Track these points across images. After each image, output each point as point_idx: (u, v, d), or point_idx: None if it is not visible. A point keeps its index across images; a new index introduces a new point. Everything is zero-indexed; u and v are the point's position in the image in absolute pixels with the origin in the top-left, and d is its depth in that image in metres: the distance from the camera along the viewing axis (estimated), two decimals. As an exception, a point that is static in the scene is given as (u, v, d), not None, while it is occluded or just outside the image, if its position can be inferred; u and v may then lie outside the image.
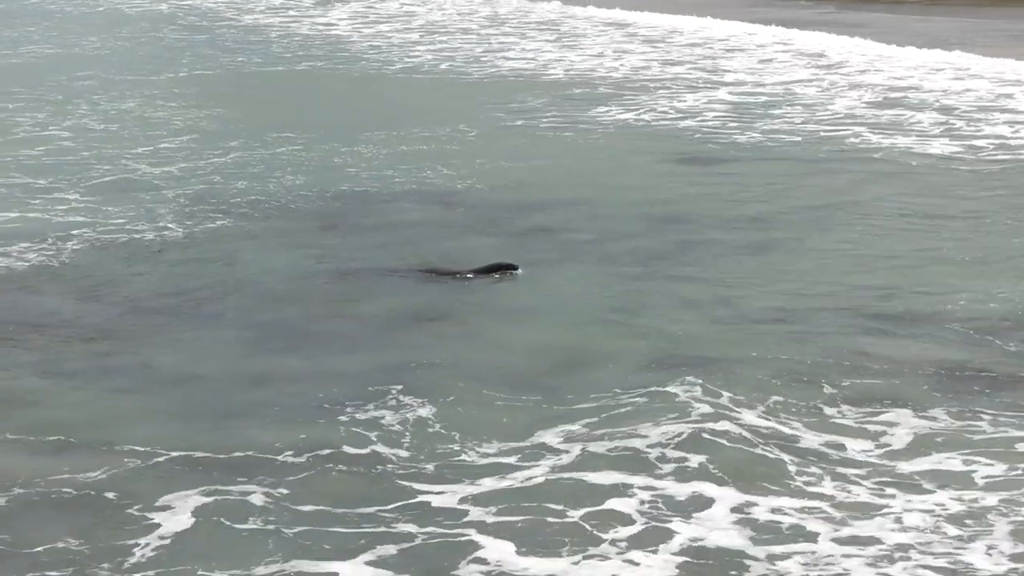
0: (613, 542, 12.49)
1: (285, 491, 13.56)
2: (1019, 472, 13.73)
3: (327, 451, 14.49)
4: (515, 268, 20.93)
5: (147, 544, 12.45)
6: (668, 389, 15.95)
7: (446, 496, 13.53)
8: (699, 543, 12.38)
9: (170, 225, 24.53)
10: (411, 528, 12.87)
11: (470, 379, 16.56)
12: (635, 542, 12.47)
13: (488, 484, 13.69)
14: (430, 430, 15.18)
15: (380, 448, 14.66)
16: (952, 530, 12.45)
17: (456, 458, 14.46)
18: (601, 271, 21.67)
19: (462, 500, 13.42)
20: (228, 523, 12.87)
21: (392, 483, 13.88)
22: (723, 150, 32.19)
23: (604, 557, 12.24)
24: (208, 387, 16.49)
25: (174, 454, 14.39)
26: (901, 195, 27.06)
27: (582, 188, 27.79)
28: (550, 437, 14.88)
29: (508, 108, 38.19)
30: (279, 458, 14.31)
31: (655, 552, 12.25)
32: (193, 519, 12.87)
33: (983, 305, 19.25)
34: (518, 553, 12.31)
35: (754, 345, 17.66)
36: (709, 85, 42.24)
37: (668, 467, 13.95)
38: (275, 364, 17.27)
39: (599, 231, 24.24)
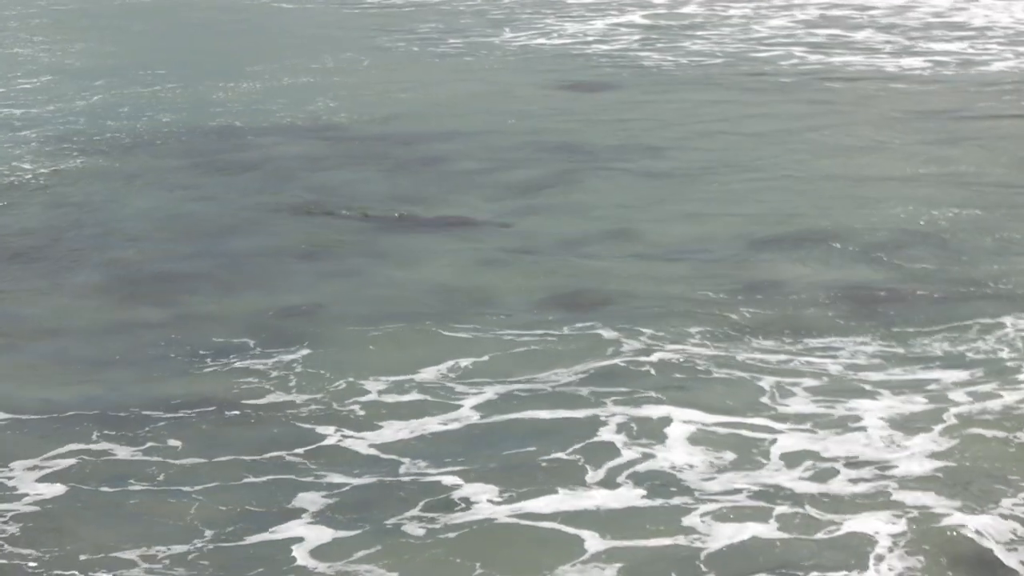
0: (552, 473, 12.98)
1: (167, 445, 13.61)
2: (919, 386, 14.79)
3: (208, 401, 14.54)
4: None
5: (14, 513, 12.34)
6: (575, 326, 16.46)
7: (353, 440, 13.80)
8: (637, 469, 13.04)
9: (28, 167, 24.82)
10: (333, 477, 13.04)
11: (358, 320, 16.85)
12: (576, 472, 13.01)
13: (394, 429, 13.99)
14: (318, 373, 15.35)
15: (279, 395, 14.77)
16: (873, 440, 13.45)
17: (348, 400, 14.65)
18: (491, 204, 22.25)
19: (371, 445, 13.68)
20: (103, 488, 12.80)
21: (294, 428, 14.04)
22: (630, 76, 32.82)
23: (547, 489, 12.70)
24: (74, 339, 16.62)
25: (43, 414, 14.31)
26: (814, 117, 28.17)
27: (473, 117, 28.42)
28: (453, 377, 15.24)
29: (399, 34, 38.76)
30: (157, 413, 14.32)
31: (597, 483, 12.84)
32: (65, 485, 12.77)
33: (880, 227, 20.26)
34: (447, 489, 12.65)
35: (652, 277, 18.39)
36: (626, 5, 42.88)
37: (579, 397, 14.48)
38: (144, 312, 17.44)
39: (489, 161, 24.90)
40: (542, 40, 37.89)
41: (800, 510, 12.18)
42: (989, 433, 13.54)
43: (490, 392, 14.81)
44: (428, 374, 15.28)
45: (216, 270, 19.34)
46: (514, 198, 22.72)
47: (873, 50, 35.25)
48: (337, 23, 41.56)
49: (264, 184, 23.90)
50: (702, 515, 12.19)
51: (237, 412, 14.31)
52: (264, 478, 13.02)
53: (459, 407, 14.52)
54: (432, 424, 14.15)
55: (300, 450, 13.50)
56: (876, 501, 12.25)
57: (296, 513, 12.40)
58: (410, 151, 26.01)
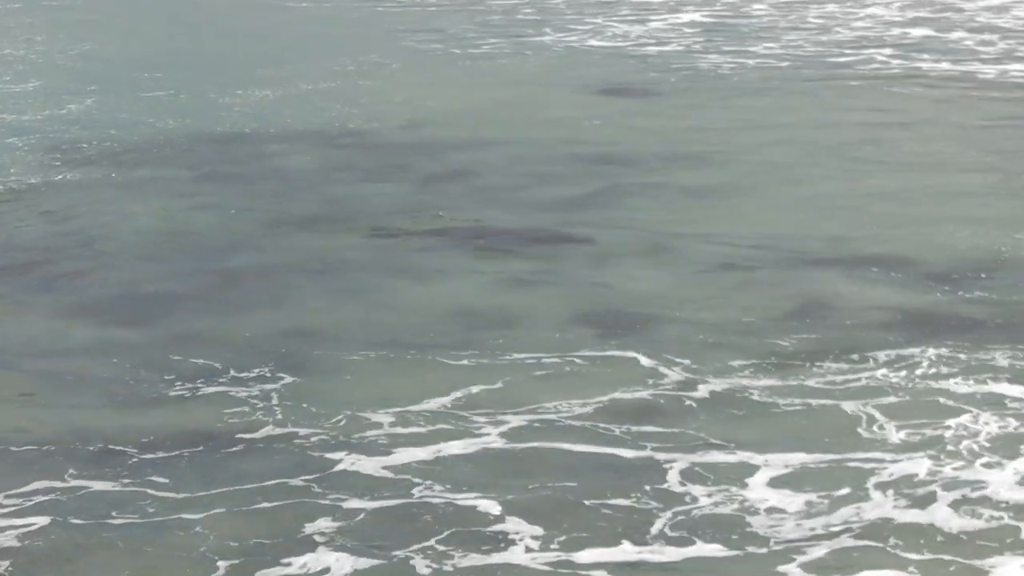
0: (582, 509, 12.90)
1: (164, 474, 13.57)
2: (975, 412, 14.83)
3: (205, 429, 14.51)
4: None
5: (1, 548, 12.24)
6: (608, 352, 16.45)
7: (364, 462, 13.82)
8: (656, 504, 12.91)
9: (19, 177, 25.02)
10: (345, 502, 13.05)
11: (369, 344, 16.83)
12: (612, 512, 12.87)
13: (407, 453, 14.00)
14: (326, 398, 15.37)
15: (294, 426, 14.72)
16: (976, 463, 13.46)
17: (361, 428, 14.65)
18: (520, 219, 22.22)
19: (386, 467, 13.70)
20: (99, 521, 12.79)
21: (301, 456, 14.04)
22: (680, 80, 32.92)
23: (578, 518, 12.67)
24: (65, 361, 16.57)
25: (27, 443, 14.29)
26: (884, 127, 28.22)
27: (505, 126, 28.58)
28: (477, 404, 15.23)
29: (426, 34, 39.01)
30: (150, 440, 14.30)
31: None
32: (58, 518, 12.76)
33: (937, 251, 20.28)
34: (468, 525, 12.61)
35: (692, 299, 18.39)
36: (684, 3, 43.04)
37: (621, 433, 14.34)
38: (139, 333, 17.38)
39: (520, 174, 24.95)
40: (587, 40, 38.05)
41: (923, 554, 11.96)
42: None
43: (516, 420, 14.81)
44: (445, 400, 15.34)
45: (216, 289, 19.31)
46: (545, 212, 22.77)
47: (966, 52, 35.07)
48: (360, 21, 41.92)
49: (273, 196, 23.97)
50: (802, 565, 11.88)
51: (239, 439, 14.40)
52: (273, 504, 13.13)
53: (484, 434, 14.50)
54: (454, 449, 14.20)
55: (309, 476, 13.61)
56: (1006, 538, 12.11)
57: (309, 542, 12.46)
58: (434, 161, 26.15)
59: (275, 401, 15.42)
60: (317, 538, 12.46)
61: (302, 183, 24.66)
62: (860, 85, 32.31)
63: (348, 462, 13.96)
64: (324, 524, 12.67)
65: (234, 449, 14.24)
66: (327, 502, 13.09)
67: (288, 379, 15.96)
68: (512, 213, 22.72)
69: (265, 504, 13.07)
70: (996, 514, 12.45)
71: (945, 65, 34.00)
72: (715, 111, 30.03)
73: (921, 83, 32.30)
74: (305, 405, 15.30)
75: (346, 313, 18.17)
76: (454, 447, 14.20)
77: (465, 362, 16.34)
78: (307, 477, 13.57)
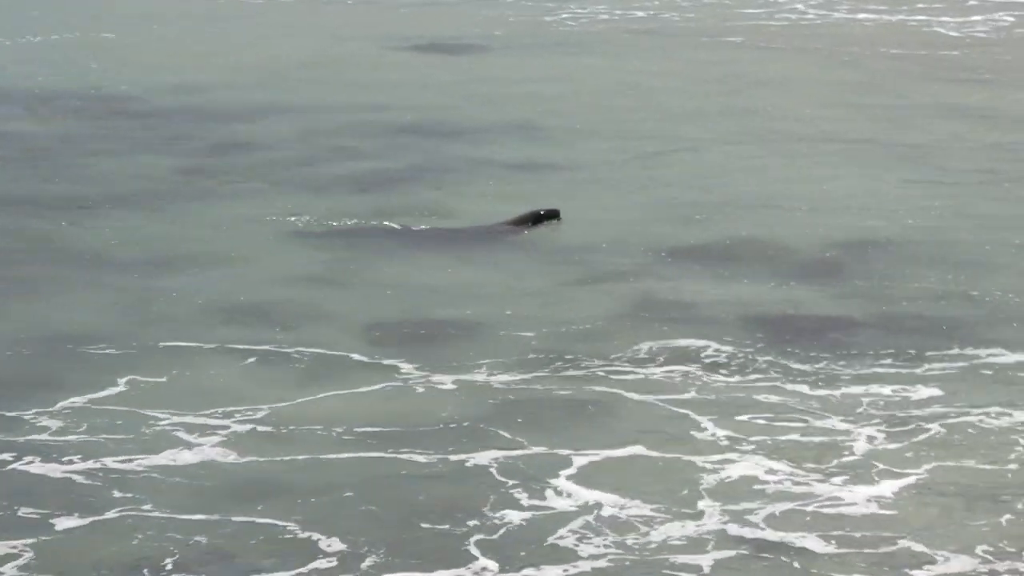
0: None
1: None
2: (839, 410, 14.84)
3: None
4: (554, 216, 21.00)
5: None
6: (410, 357, 16.07)
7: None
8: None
9: None
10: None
11: (129, 343, 16.40)
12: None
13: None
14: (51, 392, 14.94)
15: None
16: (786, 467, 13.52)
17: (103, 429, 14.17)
18: (309, 202, 21.62)
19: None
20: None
21: None
22: (510, 35, 33.43)
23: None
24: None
25: None
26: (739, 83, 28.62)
27: (297, 90, 28.41)
28: (240, 410, 14.77)
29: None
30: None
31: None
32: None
33: (802, 236, 20.24)
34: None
35: (520, 294, 18.13)
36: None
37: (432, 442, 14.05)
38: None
39: (316, 147, 24.68)
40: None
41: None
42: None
43: (293, 429, 14.35)
44: (200, 404, 14.83)
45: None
46: (342, 194, 22.21)
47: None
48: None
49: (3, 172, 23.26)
50: None
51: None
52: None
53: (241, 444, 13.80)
54: (187, 458, 13.75)
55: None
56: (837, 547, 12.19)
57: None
58: (211, 132, 25.55)
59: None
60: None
61: (42, 156, 24.01)
62: (719, 41, 33.32)
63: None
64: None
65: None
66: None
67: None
68: (305, 193, 22.22)
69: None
70: (828, 519, 12.62)
71: (812, 15, 36.27)
72: (550, 71, 30.15)
73: (785, 36, 33.85)
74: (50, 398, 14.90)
75: (99, 310, 17.56)
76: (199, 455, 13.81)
77: (249, 361, 16.02)
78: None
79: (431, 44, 32.56)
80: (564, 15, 36.12)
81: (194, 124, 26.12)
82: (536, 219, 20.94)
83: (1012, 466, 13.39)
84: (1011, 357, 16.14)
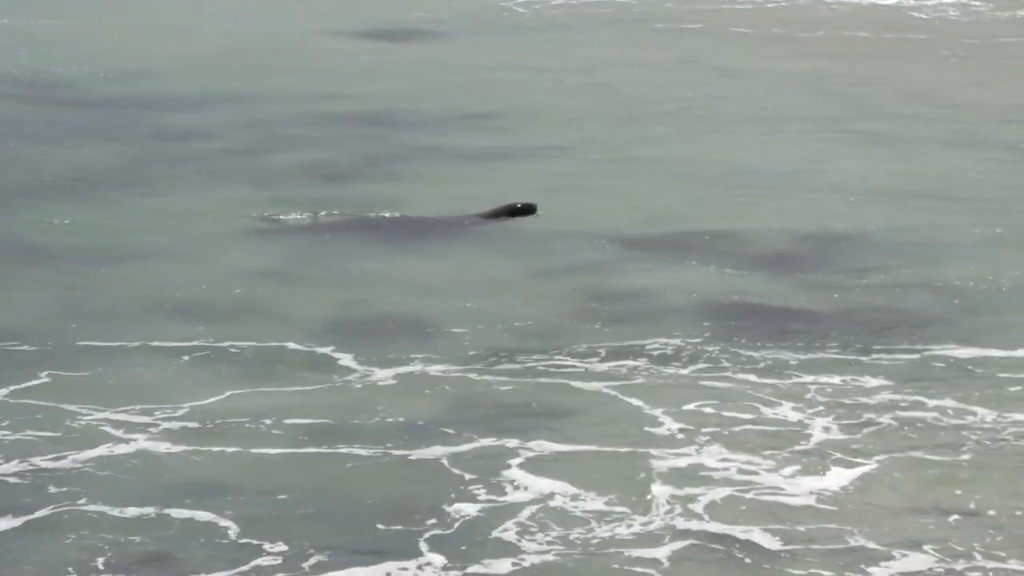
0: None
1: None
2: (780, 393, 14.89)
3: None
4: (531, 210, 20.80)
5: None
6: (368, 352, 15.90)
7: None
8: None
9: None
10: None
11: (66, 339, 16.04)
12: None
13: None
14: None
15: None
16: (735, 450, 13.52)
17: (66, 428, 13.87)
18: (255, 194, 21.27)
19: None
20: None
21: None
22: (465, 20, 33.41)
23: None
24: None
25: None
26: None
27: (244, 78, 28.44)
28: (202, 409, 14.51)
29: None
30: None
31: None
32: None
33: (759, 227, 20.15)
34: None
35: (476, 288, 17.91)
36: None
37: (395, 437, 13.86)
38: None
39: (265, 138, 24.44)
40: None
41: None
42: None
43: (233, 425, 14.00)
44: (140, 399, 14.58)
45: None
46: (291, 185, 22.03)
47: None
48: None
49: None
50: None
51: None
52: None
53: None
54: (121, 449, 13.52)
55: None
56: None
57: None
58: (153, 121, 25.38)
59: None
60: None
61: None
62: (678, 28, 33.37)
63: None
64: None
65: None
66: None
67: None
68: (253, 183, 22.08)
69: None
70: (779, 510, 12.64)
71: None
72: (507, 57, 30.24)
73: (748, 21, 33.97)
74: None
75: (30, 305, 17.26)
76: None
77: (184, 358, 15.76)
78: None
79: (379, 30, 32.61)
80: (516, 1, 36.14)
81: (136, 112, 25.99)
82: (511, 212, 20.74)
83: (963, 457, 13.35)
84: (965, 351, 16.10)
